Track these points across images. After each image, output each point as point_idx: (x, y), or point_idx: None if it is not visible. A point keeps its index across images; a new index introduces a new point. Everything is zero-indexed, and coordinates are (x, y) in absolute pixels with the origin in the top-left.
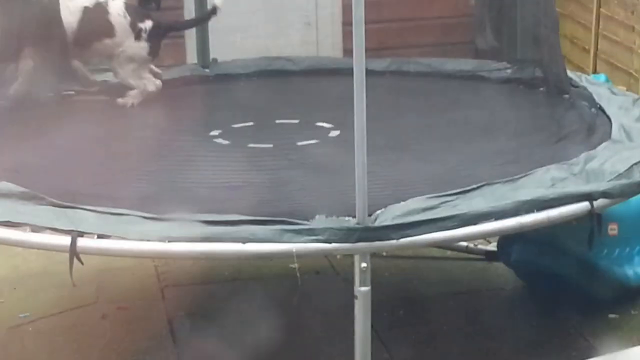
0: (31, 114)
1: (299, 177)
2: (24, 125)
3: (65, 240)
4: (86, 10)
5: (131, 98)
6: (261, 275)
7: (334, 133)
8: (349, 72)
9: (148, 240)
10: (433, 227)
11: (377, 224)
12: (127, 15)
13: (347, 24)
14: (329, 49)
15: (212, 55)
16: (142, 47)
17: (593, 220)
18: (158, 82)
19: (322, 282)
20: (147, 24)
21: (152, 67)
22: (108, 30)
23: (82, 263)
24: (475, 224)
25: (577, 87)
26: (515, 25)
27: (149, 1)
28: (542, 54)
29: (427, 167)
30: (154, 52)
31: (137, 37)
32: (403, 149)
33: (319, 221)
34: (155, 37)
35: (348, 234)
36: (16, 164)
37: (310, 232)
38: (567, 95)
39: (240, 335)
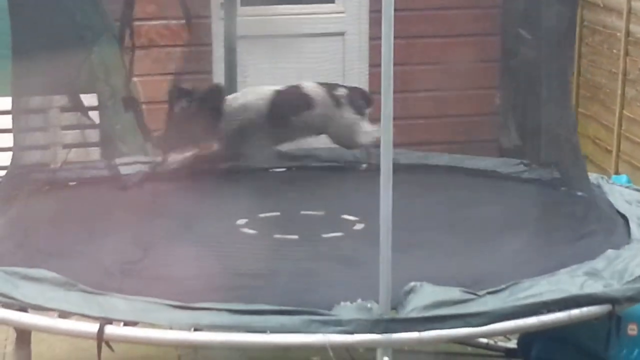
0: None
1: (323, 270)
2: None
3: (93, 327)
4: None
5: None
6: None
7: (359, 226)
8: (374, 165)
9: (174, 329)
10: (457, 323)
11: (402, 316)
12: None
13: (373, 118)
14: None
15: None
16: None
17: (612, 322)
18: None
19: None
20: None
21: None
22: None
23: (112, 350)
24: (499, 321)
25: (598, 188)
26: (539, 125)
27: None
28: (563, 155)
29: (449, 264)
30: None
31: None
32: (426, 244)
33: (344, 310)
34: None
35: (372, 326)
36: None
37: (336, 322)
38: (585, 195)
39: None
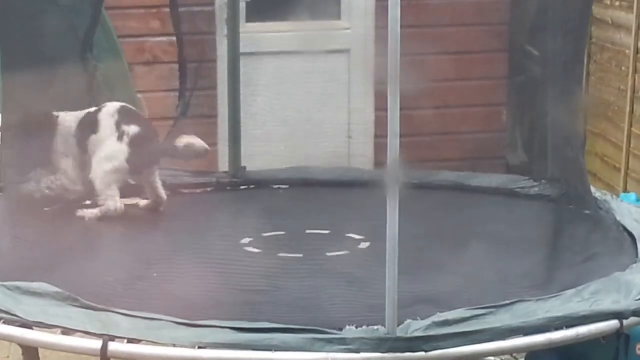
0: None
1: (328, 287)
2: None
3: (96, 343)
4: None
5: (88, 213)
6: None
7: (364, 245)
8: (380, 184)
9: (178, 346)
10: (463, 340)
11: (407, 335)
12: (115, 115)
13: (379, 136)
14: (360, 161)
15: (242, 163)
16: (121, 150)
17: (620, 340)
18: (120, 205)
19: None
20: (132, 128)
21: (158, 187)
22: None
23: None
24: (505, 338)
25: (605, 205)
26: (546, 143)
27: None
28: (570, 172)
29: (455, 282)
30: (133, 166)
31: (119, 138)
32: (431, 263)
33: (349, 331)
34: (141, 149)
35: (378, 344)
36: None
37: (341, 341)
38: (592, 213)
39: None
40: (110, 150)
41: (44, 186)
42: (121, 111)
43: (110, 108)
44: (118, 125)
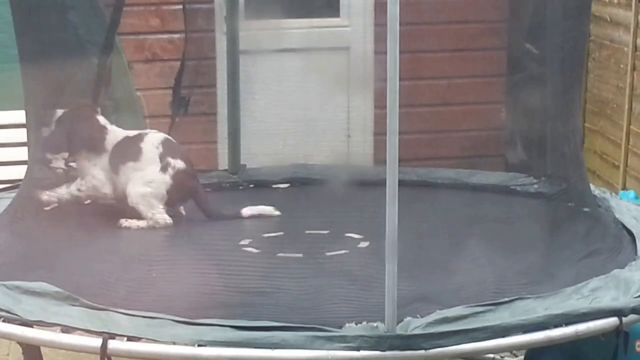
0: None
1: (328, 287)
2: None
3: (96, 341)
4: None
5: (134, 224)
6: None
7: (364, 244)
8: (379, 182)
9: (178, 344)
10: (463, 338)
11: (407, 332)
12: (160, 146)
13: (378, 134)
14: (360, 158)
15: (242, 161)
16: (163, 180)
17: (619, 337)
18: (170, 219)
19: None
20: (178, 163)
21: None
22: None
23: None
24: (505, 336)
25: (604, 203)
26: (545, 141)
27: (179, 105)
28: (569, 170)
29: (454, 280)
30: (172, 198)
31: (163, 169)
32: (431, 261)
33: (350, 329)
34: (182, 184)
35: (379, 342)
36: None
37: (341, 339)
38: (587, 209)
39: None
40: (151, 177)
41: (74, 189)
42: (165, 143)
43: (155, 139)
44: (162, 157)
